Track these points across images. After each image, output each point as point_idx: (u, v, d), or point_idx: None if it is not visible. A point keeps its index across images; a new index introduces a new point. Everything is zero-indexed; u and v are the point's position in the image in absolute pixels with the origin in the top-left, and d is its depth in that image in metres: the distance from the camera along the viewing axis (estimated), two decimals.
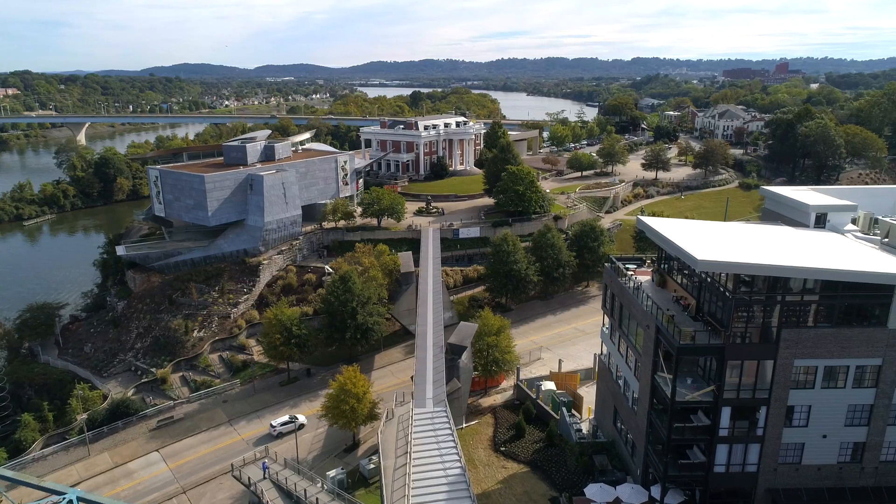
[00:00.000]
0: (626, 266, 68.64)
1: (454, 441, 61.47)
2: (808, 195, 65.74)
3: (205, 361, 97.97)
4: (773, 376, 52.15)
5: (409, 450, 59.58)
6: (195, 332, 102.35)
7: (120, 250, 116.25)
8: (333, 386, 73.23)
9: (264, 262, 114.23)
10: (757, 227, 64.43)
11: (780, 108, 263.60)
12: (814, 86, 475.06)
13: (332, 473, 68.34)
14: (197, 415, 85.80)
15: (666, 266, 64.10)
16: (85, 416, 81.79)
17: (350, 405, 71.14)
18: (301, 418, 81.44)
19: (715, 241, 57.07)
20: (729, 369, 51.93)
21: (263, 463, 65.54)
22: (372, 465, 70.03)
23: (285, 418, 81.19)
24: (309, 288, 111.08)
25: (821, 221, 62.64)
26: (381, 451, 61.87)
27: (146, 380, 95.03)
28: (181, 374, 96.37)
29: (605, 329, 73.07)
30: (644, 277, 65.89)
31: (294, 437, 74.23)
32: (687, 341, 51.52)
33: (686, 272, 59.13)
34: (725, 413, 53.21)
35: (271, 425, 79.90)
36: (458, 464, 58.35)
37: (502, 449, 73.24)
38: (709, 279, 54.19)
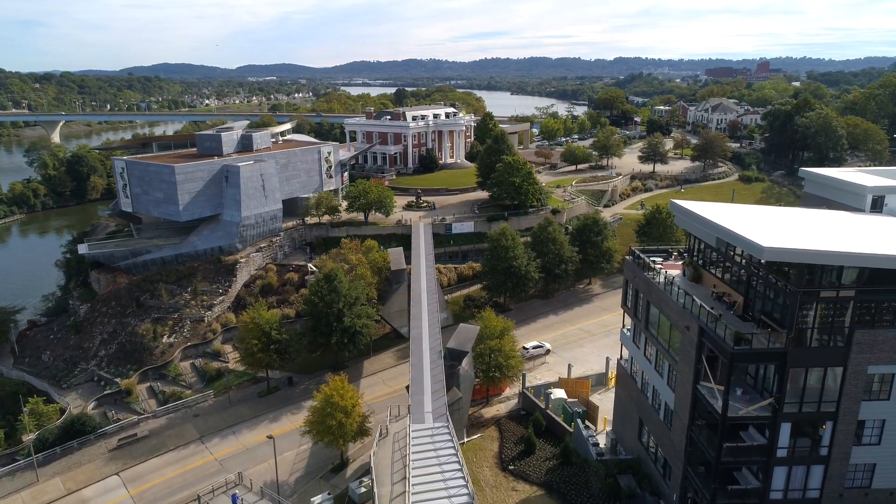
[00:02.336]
0: (653, 259, 60.28)
1: (459, 463, 52.76)
2: (862, 177, 58.00)
3: (175, 370, 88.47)
4: (843, 386, 44.06)
5: (407, 475, 50.91)
6: (165, 337, 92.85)
7: (82, 248, 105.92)
8: (318, 398, 64.61)
9: (241, 260, 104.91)
10: (806, 212, 56.33)
11: (772, 102, 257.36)
12: (796, 83, 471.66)
13: (317, 500, 59.67)
14: (164, 431, 76.27)
15: (701, 258, 55.93)
16: (33, 435, 71.85)
17: (337, 420, 62.57)
18: (547, 345, 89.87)
19: (770, 227, 48.69)
20: (791, 378, 43.69)
21: (234, 495, 56.11)
22: (363, 489, 61.33)
23: (535, 343, 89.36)
24: (290, 288, 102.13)
25: (877, 205, 54.80)
26: (374, 475, 53.17)
27: (109, 391, 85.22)
28: (148, 384, 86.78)
29: (625, 331, 64.76)
30: (674, 271, 57.70)
31: (273, 455, 65.06)
32: (742, 345, 43.15)
33: (729, 264, 50.88)
34: (785, 430, 44.94)
35: (524, 347, 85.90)
36: (465, 490, 49.71)
37: (511, 467, 64.69)
38: (761, 272, 45.91)
